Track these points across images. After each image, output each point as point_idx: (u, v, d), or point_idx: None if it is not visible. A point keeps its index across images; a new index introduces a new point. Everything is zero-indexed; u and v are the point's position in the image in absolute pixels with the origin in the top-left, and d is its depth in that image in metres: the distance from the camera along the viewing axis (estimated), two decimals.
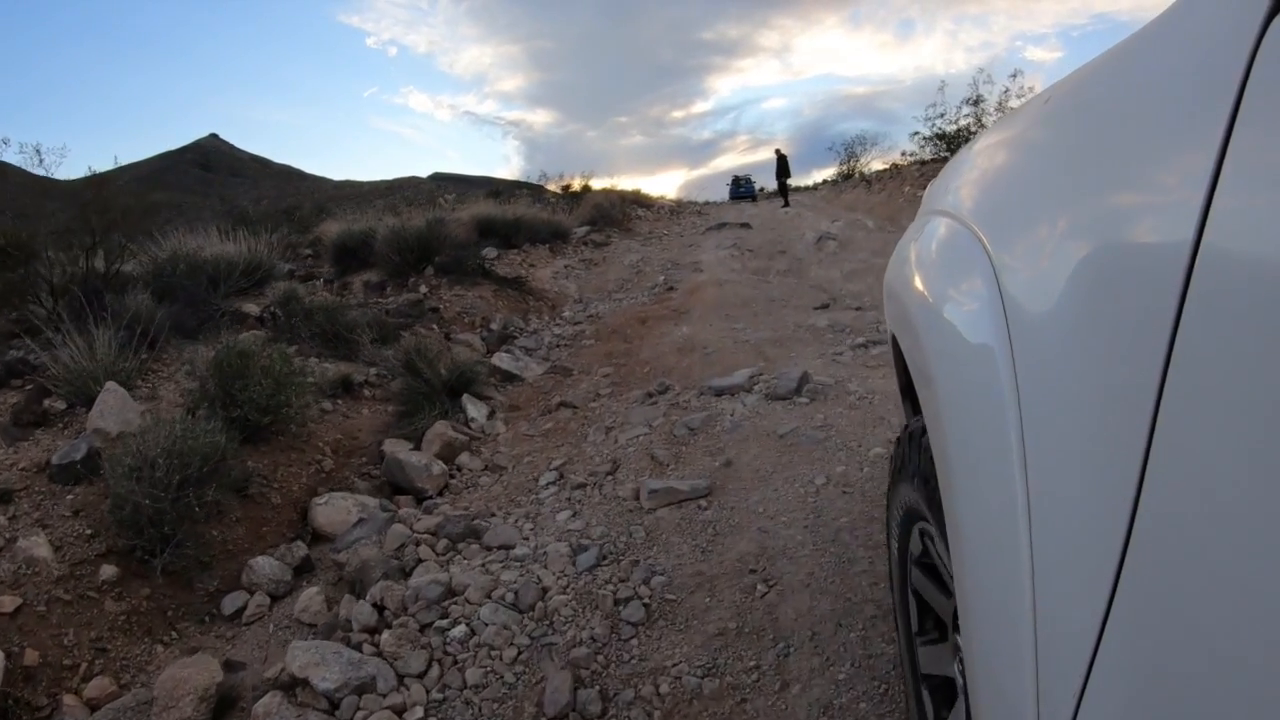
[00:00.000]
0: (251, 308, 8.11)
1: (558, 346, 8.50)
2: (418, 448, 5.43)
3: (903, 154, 23.52)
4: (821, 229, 15.32)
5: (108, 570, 4.04)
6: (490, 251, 12.77)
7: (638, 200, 25.86)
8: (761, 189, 39.94)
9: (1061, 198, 1.05)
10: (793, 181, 29.73)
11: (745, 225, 18.49)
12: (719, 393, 5.29)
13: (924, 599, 1.80)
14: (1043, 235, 1.05)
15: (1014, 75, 23.78)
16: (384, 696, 2.89)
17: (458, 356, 6.89)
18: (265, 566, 4.15)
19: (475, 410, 5.99)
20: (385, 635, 3.20)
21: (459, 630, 3.14)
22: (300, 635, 3.73)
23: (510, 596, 3.28)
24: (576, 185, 25.84)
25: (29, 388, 5.62)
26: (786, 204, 25.17)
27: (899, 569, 1.93)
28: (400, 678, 2.97)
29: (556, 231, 15.41)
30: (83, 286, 6.55)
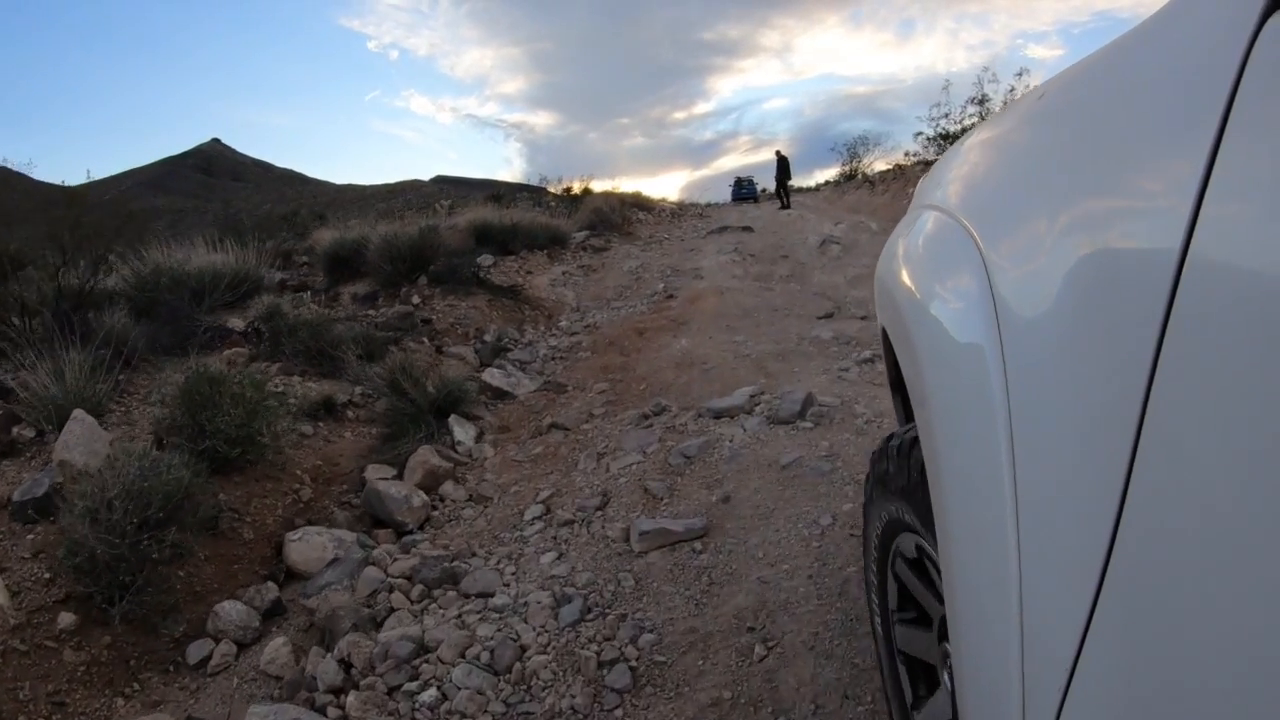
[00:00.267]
0: (236, 322, 7.84)
1: (553, 359, 8.22)
2: (401, 474, 5.16)
3: (906, 154, 23.23)
4: (825, 232, 15.03)
5: (66, 618, 3.78)
6: (486, 259, 12.50)
7: (638, 203, 25.55)
8: (763, 190, 39.64)
9: (1053, 195, 1.03)
10: (794, 182, 29.39)
11: (747, 229, 18.19)
12: (718, 415, 5.00)
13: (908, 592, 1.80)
14: (1034, 233, 1.04)
15: (1020, 74, 23.45)
16: None
17: (446, 373, 6.62)
18: (232, 612, 3.88)
19: (463, 432, 5.71)
20: (351, 698, 2.94)
21: (429, 694, 2.86)
22: (266, 688, 3.48)
23: (486, 656, 3.00)
24: (577, 188, 25.57)
25: None
26: (786, 206, 24.68)
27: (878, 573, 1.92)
28: None
29: (555, 237, 15.12)
30: (54, 305, 6.28)
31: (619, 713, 2.66)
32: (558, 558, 3.72)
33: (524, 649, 3.01)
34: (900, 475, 1.62)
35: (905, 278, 1.56)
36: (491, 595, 3.47)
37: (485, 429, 5.95)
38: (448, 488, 4.87)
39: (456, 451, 5.53)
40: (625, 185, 29.20)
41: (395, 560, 3.94)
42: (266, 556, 4.58)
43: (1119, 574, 0.72)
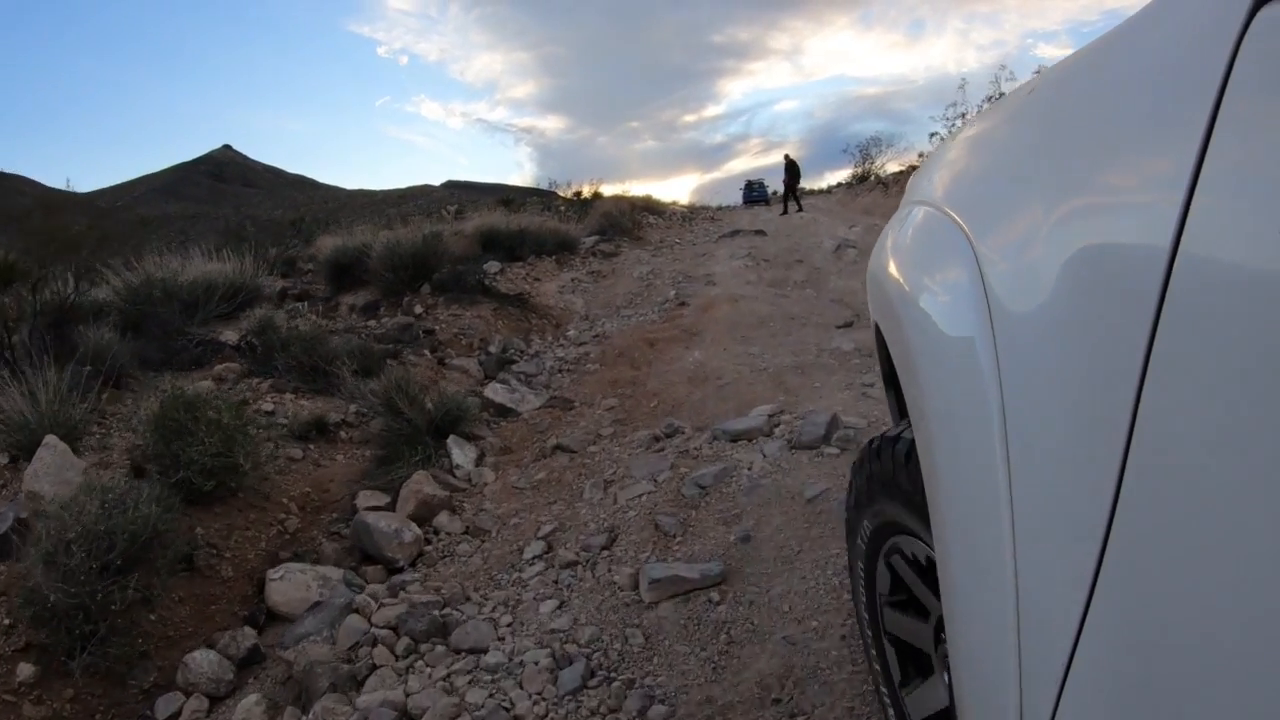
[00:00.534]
0: (230, 335, 7.51)
1: (560, 371, 7.85)
2: (394, 502, 4.80)
3: (920, 155, 22.72)
4: (839, 235, 14.63)
5: (25, 669, 3.46)
6: (493, 265, 12.16)
7: (649, 207, 25.20)
8: (774, 192, 39.30)
9: (1044, 190, 1.03)
10: (805, 185, 28.91)
11: (760, 232, 17.80)
12: (734, 438, 4.63)
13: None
14: (1025, 227, 1.03)
15: (1038, 71, 22.98)
16: None
17: (446, 389, 6.27)
18: (204, 664, 3.53)
19: (461, 455, 5.36)
20: None
21: None
22: None
23: None
24: (587, 192, 25.21)
25: None
26: (788, 210, 23.90)
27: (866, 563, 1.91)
28: None
29: (564, 242, 14.76)
30: (32, 320, 5.95)
31: None
32: (559, 607, 3.35)
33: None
34: (894, 472, 1.59)
35: (898, 272, 1.54)
36: (484, 652, 3.10)
37: (486, 450, 5.58)
38: (443, 519, 4.50)
39: (455, 476, 5.17)
40: (636, 189, 28.81)
41: (381, 606, 3.57)
42: (247, 595, 4.24)
43: (1113, 569, 0.72)
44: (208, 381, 6.27)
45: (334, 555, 4.49)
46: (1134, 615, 0.69)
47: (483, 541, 4.25)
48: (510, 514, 4.49)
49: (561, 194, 27.35)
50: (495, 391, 6.64)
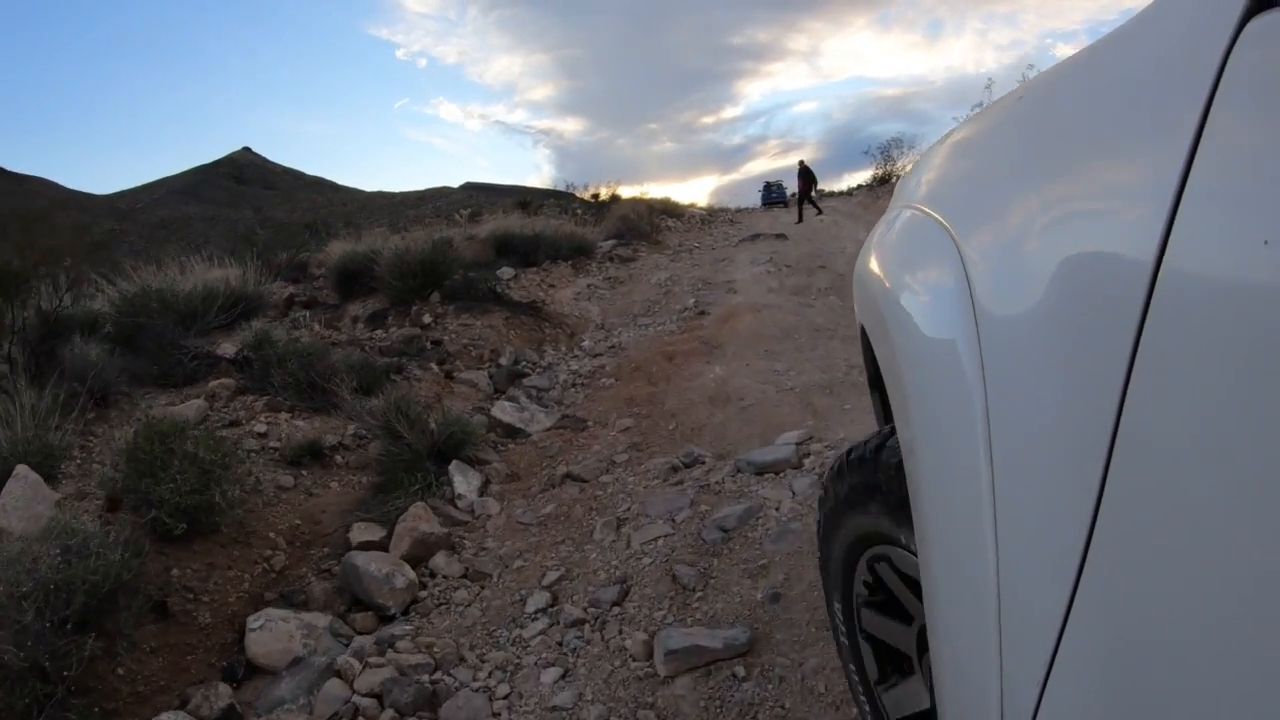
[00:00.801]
0: (228, 348, 7.16)
1: (574, 386, 7.45)
2: (391, 535, 4.43)
3: None
4: (862, 239, 14.15)
5: None
6: (506, 271, 11.80)
7: (667, 209, 24.84)
8: (793, 194, 38.92)
9: (1031, 195, 1.03)
10: (825, 187, 28.41)
11: (781, 236, 17.37)
12: (760, 470, 4.22)
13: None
14: (1012, 232, 1.04)
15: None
16: None
17: (450, 409, 5.88)
18: None
19: (464, 483, 4.97)
20: None
21: None
22: None
23: None
24: (605, 194, 24.83)
25: None
26: (804, 217, 23.23)
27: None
28: None
29: (580, 247, 14.39)
30: (12, 336, 5.62)
31: None
32: (562, 676, 2.95)
33: None
34: (876, 477, 1.57)
35: (885, 276, 1.53)
36: None
37: (491, 477, 5.20)
38: (439, 560, 4.12)
39: (456, 507, 4.79)
40: (654, 191, 28.54)
41: (365, 668, 3.19)
42: (227, 643, 3.87)
43: (1094, 573, 0.72)
44: (199, 400, 5.92)
45: (323, 597, 4.12)
46: (1115, 619, 0.70)
47: (482, 588, 3.86)
48: (514, 555, 4.10)
49: (580, 196, 27.06)
50: (503, 410, 6.26)
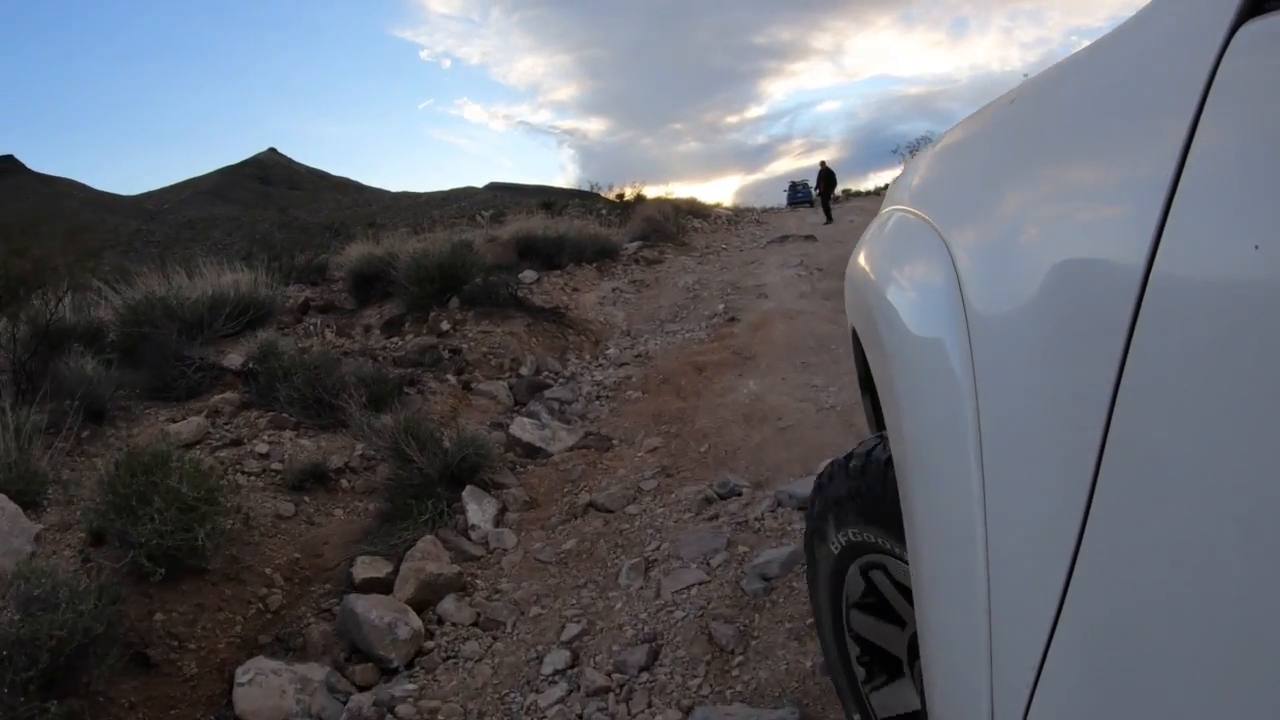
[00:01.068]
0: (234, 358, 6.81)
1: (598, 398, 7.04)
2: (398, 570, 4.04)
3: None
4: None
5: None
6: (529, 275, 11.42)
7: (693, 210, 24.41)
8: (819, 194, 38.53)
9: (1023, 197, 1.04)
10: (851, 186, 27.94)
11: (810, 238, 16.89)
12: (803, 504, 3.78)
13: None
14: (1003, 234, 1.04)
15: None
16: None
17: (466, 428, 5.48)
18: None
19: (479, 511, 4.58)
20: None
21: None
22: None
23: None
24: (629, 194, 24.41)
25: None
26: (832, 218, 22.76)
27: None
28: None
29: (605, 249, 13.97)
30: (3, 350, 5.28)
31: None
32: None
33: None
34: (867, 489, 1.57)
35: (876, 278, 1.52)
36: None
37: (509, 504, 4.79)
38: (449, 605, 3.71)
39: (470, 538, 4.39)
40: (678, 190, 28.12)
41: None
42: (215, 695, 3.50)
43: (1084, 575, 0.72)
44: (199, 417, 5.57)
45: (322, 642, 3.74)
46: (1105, 621, 0.69)
47: (495, 639, 3.45)
48: (530, 599, 3.69)
49: (604, 196, 26.72)
50: (523, 428, 5.85)
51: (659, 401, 6.50)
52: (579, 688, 2.92)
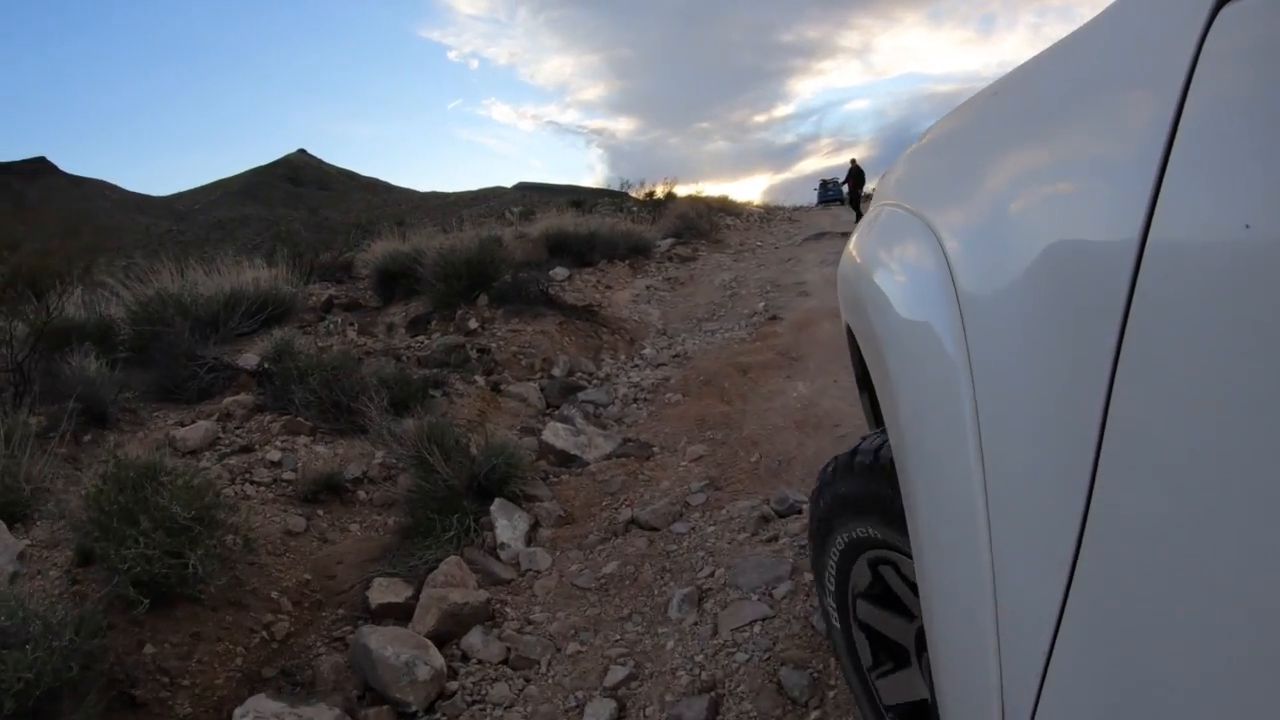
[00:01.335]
0: (250, 358, 6.42)
1: (635, 401, 6.58)
2: (419, 593, 3.62)
3: None
4: None
5: None
6: (560, 272, 10.99)
7: (725, 208, 23.99)
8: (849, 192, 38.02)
9: (1012, 185, 1.03)
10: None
11: (846, 235, 16.33)
12: None
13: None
14: (993, 223, 1.03)
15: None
16: None
17: (495, 434, 5.05)
18: None
19: (509, 528, 4.13)
20: None
21: None
22: None
23: None
24: (660, 192, 23.98)
25: None
26: (860, 216, 22.30)
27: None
28: None
29: (637, 246, 13.54)
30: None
31: None
32: None
33: None
34: (869, 486, 1.58)
35: (869, 274, 1.52)
36: None
37: (541, 519, 4.34)
38: (475, 639, 3.27)
39: (499, 558, 3.96)
40: (708, 189, 27.63)
41: None
42: None
43: (1088, 567, 0.72)
44: (209, 421, 5.18)
45: (332, 676, 3.31)
46: (1109, 615, 0.69)
47: (527, 681, 3.00)
48: (568, 633, 3.24)
49: (634, 195, 26.35)
50: (556, 434, 5.40)
51: (701, 405, 6.04)
52: None
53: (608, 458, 5.22)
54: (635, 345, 8.69)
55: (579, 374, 7.50)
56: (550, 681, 2.96)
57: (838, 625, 1.92)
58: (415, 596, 3.62)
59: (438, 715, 2.94)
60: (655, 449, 5.29)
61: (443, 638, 3.31)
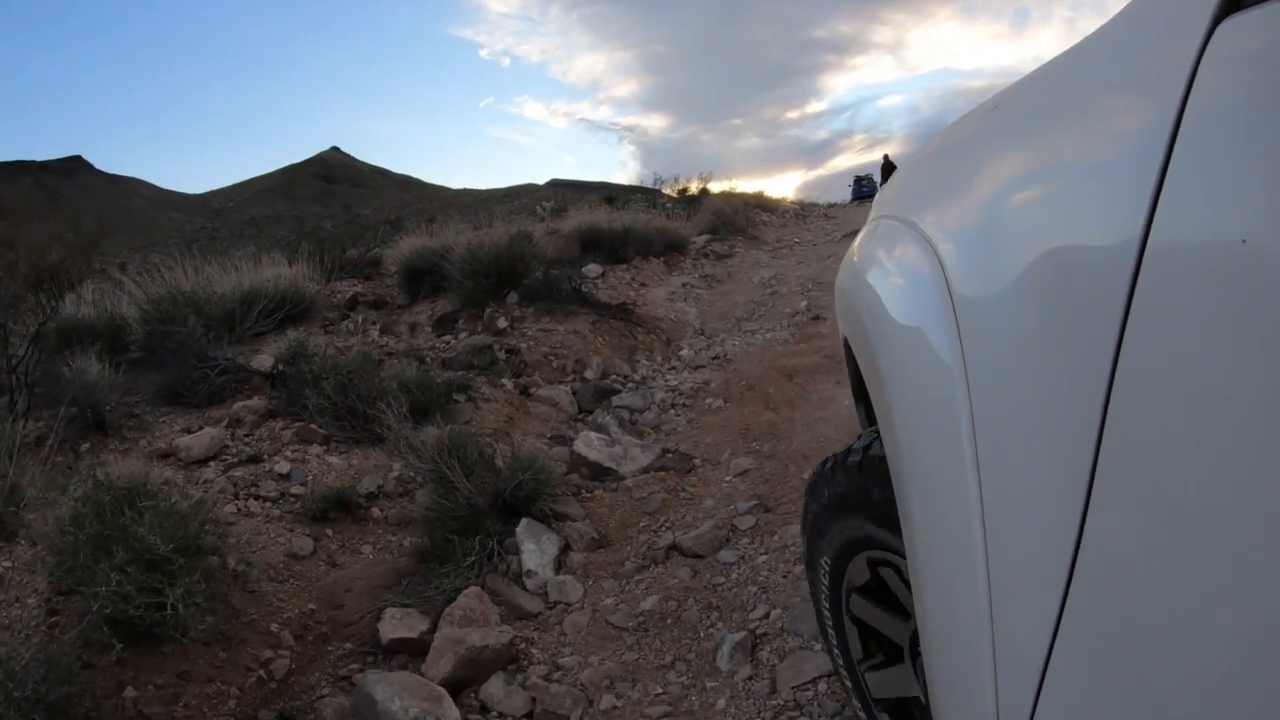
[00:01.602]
0: (265, 359, 6.07)
1: (673, 406, 6.16)
2: (435, 626, 3.23)
3: None
4: None
5: None
6: (593, 269, 10.58)
7: (760, 204, 23.48)
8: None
9: (1010, 196, 1.01)
10: None
11: None
12: None
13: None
14: (991, 234, 1.01)
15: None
16: None
17: (522, 446, 4.64)
18: None
19: (537, 552, 3.72)
20: None
21: None
22: None
23: None
24: (694, 188, 23.50)
25: None
26: None
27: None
28: None
29: (672, 242, 13.08)
30: None
31: None
32: None
33: None
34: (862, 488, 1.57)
35: (865, 287, 1.51)
36: None
37: (572, 541, 3.92)
38: (496, 688, 2.86)
39: (525, 587, 3.55)
40: (741, 186, 27.16)
41: None
42: None
43: (1085, 572, 0.70)
44: (216, 428, 4.82)
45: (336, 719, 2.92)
46: (1107, 619, 0.67)
47: None
48: (602, 682, 2.81)
49: (667, 191, 25.93)
50: (589, 444, 4.98)
51: (745, 412, 5.60)
52: None
53: (645, 470, 4.79)
54: (672, 346, 8.26)
55: (613, 376, 7.08)
56: None
57: (829, 619, 1.93)
58: (431, 631, 3.23)
59: None
60: (696, 461, 4.86)
61: (459, 684, 2.90)
